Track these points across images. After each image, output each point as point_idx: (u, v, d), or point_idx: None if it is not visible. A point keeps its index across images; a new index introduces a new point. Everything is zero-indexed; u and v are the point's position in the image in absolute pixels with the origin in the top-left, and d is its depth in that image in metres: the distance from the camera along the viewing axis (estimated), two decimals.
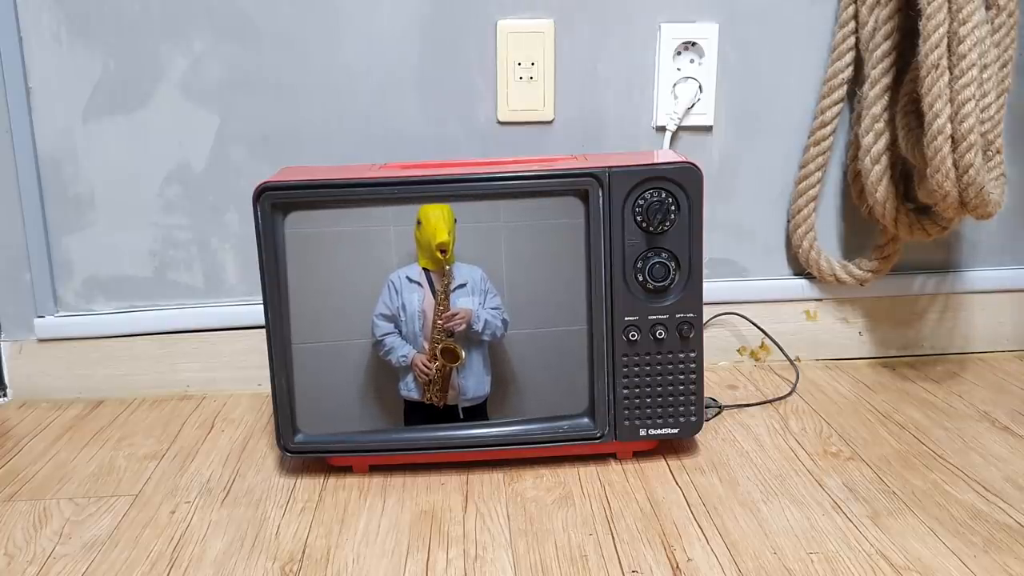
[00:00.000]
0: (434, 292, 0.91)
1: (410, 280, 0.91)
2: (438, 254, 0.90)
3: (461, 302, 0.91)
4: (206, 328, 1.19)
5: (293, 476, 0.96)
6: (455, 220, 0.89)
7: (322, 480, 0.95)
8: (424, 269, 0.91)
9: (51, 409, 1.17)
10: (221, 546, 0.83)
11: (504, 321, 0.92)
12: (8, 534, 0.86)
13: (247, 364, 1.20)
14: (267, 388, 1.18)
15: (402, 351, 0.92)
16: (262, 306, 0.92)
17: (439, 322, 0.91)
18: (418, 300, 0.91)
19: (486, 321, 0.91)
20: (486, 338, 0.92)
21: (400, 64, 1.14)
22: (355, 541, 0.83)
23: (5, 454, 1.04)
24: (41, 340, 1.18)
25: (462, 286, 0.91)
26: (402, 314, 0.91)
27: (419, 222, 0.89)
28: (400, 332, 0.92)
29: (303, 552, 0.81)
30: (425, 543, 0.82)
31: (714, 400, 1.11)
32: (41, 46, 1.10)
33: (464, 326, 0.92)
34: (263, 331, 0.92)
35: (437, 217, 0.89)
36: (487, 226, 0.90)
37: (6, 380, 1.20)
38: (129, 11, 1.10)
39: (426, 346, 0.92)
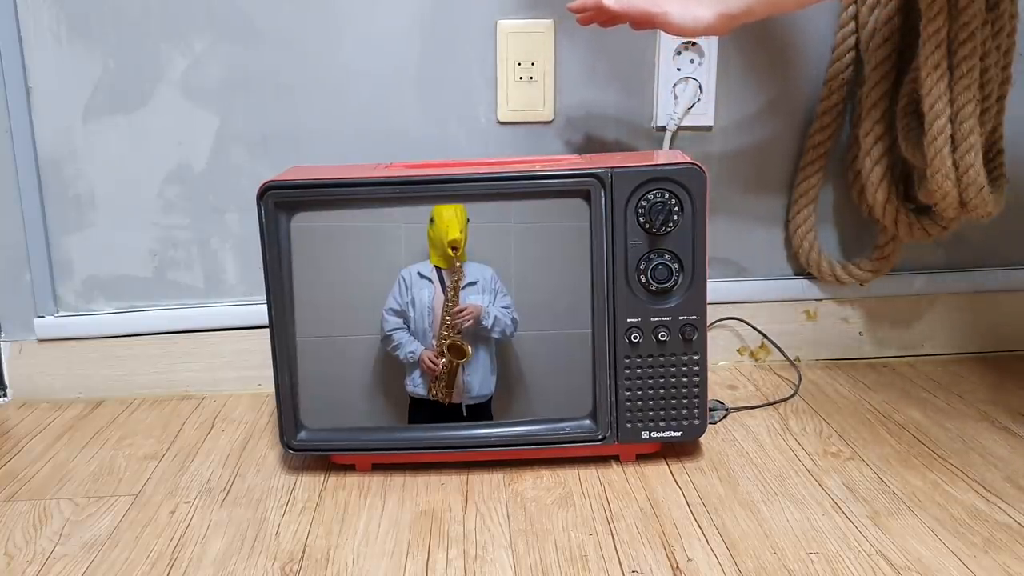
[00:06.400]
0: (444, 289, 0.91)
1: (421, 276, 0.91)
2: (449, 251, 0.90)
3: (471, 300, 0.91)
4: (206, 328, 1.19)
5: (293, 476, 0.96)
6: (468, 219, 0.90)
7: (322, 480, 0.95)
8: (436, 266, 0.91)
9: (51, 409, 1.17)
10: (221, 546, 0.83)
11: (514, 320, 0.92)
12: (8, 534, 0.86)
13: (247, 364, 1.20)
14: (267, 388, 1.18)
15: (410, 347, 0.92)
16: (263, 305, 0.92)
17: (448, 318, 0.92)
18: (428, 296, 0.91)
19: (496, 318, 0.91)
20: (495, 335, 0.92)
21: (400, 64, 1.14)
22: (355, 541, 0.83)
23: (5, 454, 1.04)
24: (41, 340, 1.18)
25: (472, 283, 0.91)
26: (411, 310, 0.91)
27: (432, 220, 0.90)
28: (409, 328, 0.92)
29: (303, 552, 0.81)
30: (425, 543, 0.82)
31: (720, 403, 1.11)
32: (41, 46, 1.10)
33: (472, 322, 0.92)
34: (264, 331, 0.92)
35: (450, 215, 0.89)
36: (497, 226, 0.90)
37: (6, 380, 1.20)
38: (129, 11, 1.10)
39: (434, 342, 0.92)
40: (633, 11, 0.93)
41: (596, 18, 0.98)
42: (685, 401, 0.93)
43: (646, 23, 0.95)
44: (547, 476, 0.94)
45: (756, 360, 1.26)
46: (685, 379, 0.93)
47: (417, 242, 0.91)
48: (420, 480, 0.94)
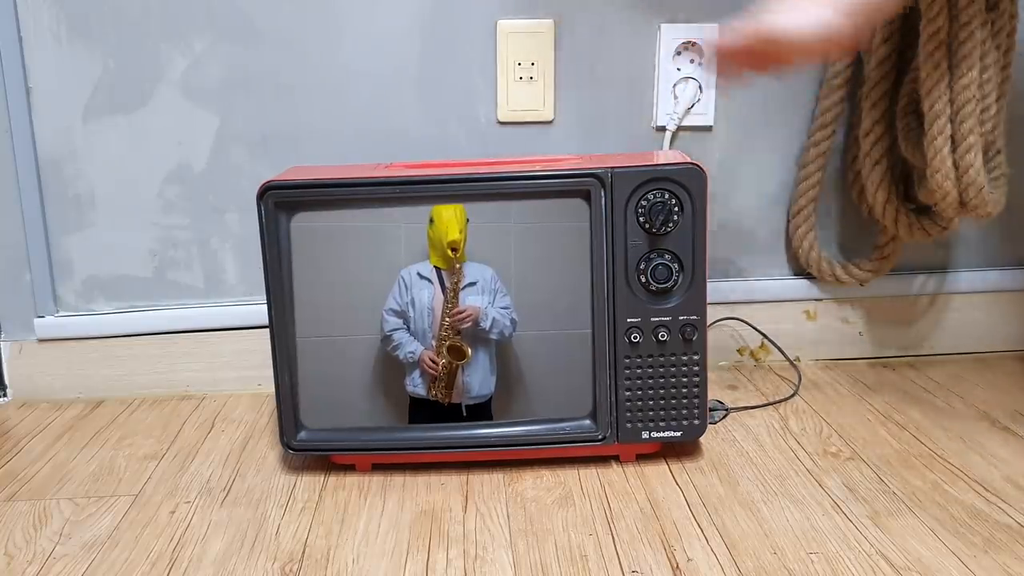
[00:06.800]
0: (444, 289, 0.91)
1: (421, 276, 0.91)
2: (449, 252, 0.90)
3: (470, 300, 0.91)
4: (206, 328, 1.19)
5: (293, 476, 0.96)
6: (467, 219, 0.90)
7: (322, 480, 0.95)
8: (435, 267, 0.91)
9: (51, 409, 1.17)
10: (221, 546, 0.83)
11: (513, 321, 0.92)
12: (8, 534, 0.86)
13: (247, 364, 1.20)
14: (267, 388, 1.18)
15: (410, 347, 0.92)
16: (263, 305, 0.92)
17: (447, 319, 0.92)
18: (428, 297, 0.91)
19: (494, 319, 0.91)
20: (494, 336, 0.92)
21: (400, 64, 1.14)
22: (355, 541, 0.83)
23: (5, 454, 1.04)
24: (41, 340, 1.18)
25: (472, 284, 0.91)
26: (411, 310, 0.91)
27: (432, 220, 0.90)
28: (409, 328, 0.92)
29: (303, 552, 0.81)
30: (425, 543, 0.82)
31: (720, 403, 1.11)
32: (41, 46, 1.10)
33: (471, 324, 0.92)
34: (264, 331, 0.92)
35: (450, 215, 0.89)
36: (497, 226, 0.90)
37: (6, 380, 1.20)
38: (129, 11, 1.10)
39: (434, 343, 0.92)
40: (755, 38, 0.78)
41: (744, 60, 0.82)
42: (685, 401, 0.93)
43: (770, 50, 0.79)
44: (547, 476, 0.94)
45: (756, 360, 1.26)
46: (685, 379, 0.93)
47: (417, 242, 0.91)
48: (420, 480, 0.94)
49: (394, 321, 0.92)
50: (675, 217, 0.89)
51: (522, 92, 1.15)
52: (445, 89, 1.15)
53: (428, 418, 0.94)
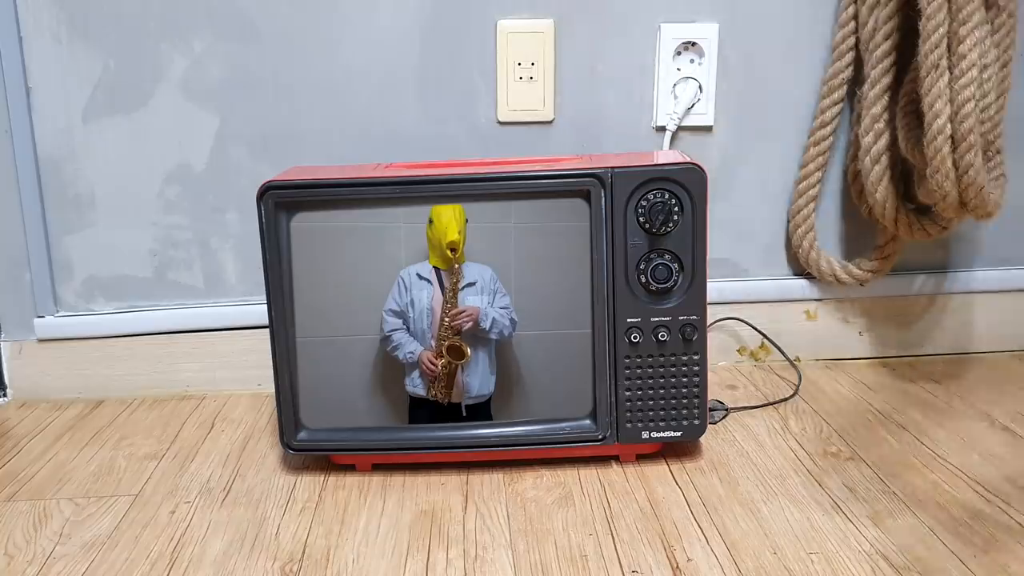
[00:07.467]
0: (443, 290, 0.91)
1: (420, 277, 0.91)
2: (448, 252, 0.90)
3: (470, 300, 0.91)
4: (206, 328, 1.19)
5: (293, 476, 0.96)
6: (466, 220, 0.90)
7: (322, 480, 0.95)
8: (435, 267, 0.91)
9: (51, 409, 1.17)
10: (221, 546, 0.83)
11: (512, 321, 0.92)
12: (8, 534, 0.86)
13: (247, 364, 1.20)
14: (267, 388, 1.18)
15: (409, 347, 0.92)
16: (263, 305, 0.92)
17: (446, 319, 0.92)
18: (427, 297, 0.91)
19: (493, 319, 0.91)
20: (493, 336, 0.92)
21: (400, 64, 1.14)
22: (355, 541, 0.83)
23: (5, 454, 1.04)
24: (41, 340, 1.18)
25: (471, 284, 0.91)
26: (411, 310, 0.91)
27: (431, 220, 0.90)
28: (408, 328, 0.92)
29: (303, 552, 0.81)
30: (425, 543, 0.82)
31: (720, 403, 1.11)
32: (41, 46, 1.10)
33: (471, 324, 0.92)
34: (263, 331, 0.92)
35: (449, 216, 0.89)
36: (497, 226, 0.90)
37: (6, 380, 1.20)
38: (129, 11, 1.10)
39: (433, 343, 0.92)
40: None
41: None
42: (685, 401, 0.93)
43: None
44: (547, 476, 0.94)
45: (756, 360, 1.26)
46: (685, 379, 0.93)
47: (417, 242, 0.91)
48: (420, 480, 0.94)
49: (393, 321, 0.92)
50: (675, 217, 0.89)
51: (522, 92, 1.15)
52: (445, 89, 1.15)
53: (428, 418, 0.94)
